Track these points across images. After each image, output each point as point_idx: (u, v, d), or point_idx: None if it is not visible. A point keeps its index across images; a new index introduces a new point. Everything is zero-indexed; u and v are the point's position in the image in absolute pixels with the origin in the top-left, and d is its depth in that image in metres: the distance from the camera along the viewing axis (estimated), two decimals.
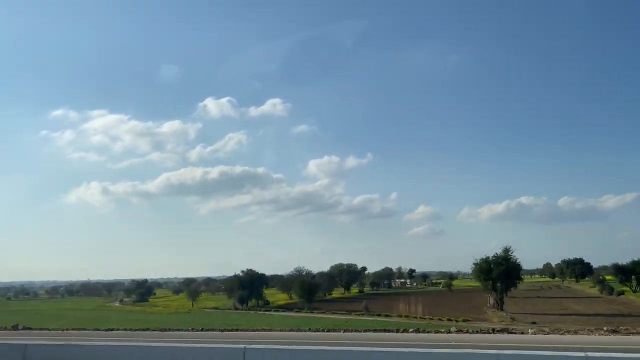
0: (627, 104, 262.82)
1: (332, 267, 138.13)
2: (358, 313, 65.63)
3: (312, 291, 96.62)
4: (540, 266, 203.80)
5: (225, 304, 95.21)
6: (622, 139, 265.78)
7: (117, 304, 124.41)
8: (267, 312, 76.86)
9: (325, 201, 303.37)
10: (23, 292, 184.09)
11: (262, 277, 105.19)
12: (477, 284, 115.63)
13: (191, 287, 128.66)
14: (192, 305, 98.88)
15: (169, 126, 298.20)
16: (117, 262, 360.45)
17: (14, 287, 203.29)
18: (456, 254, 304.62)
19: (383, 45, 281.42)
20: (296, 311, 76.37)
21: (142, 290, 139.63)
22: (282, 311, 78.57)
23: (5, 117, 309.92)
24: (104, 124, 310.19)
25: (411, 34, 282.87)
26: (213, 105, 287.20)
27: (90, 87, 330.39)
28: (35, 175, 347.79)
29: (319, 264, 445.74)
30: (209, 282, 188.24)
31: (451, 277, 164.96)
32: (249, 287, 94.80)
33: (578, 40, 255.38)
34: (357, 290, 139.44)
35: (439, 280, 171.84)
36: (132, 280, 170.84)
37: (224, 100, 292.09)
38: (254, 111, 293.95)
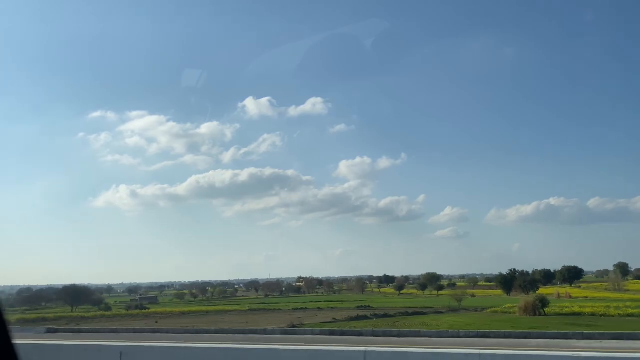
0: None
1: None
2: None
3: None
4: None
5: None
6: None
7: None
8: None
9: (352, 203, 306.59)
10: None
11: None
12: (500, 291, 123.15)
13: None
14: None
15: (207, 127, 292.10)
16: (135, 266, 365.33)
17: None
18: (481, 257, 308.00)
19: (423, 43, 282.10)
20: None
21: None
22: None
23: (43, 119, 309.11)
24: (142, 126, 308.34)
25: (452, 30, 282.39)
26: (252, 105, 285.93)
27: (130, 89, 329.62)
28: (69, 179, 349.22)
29: (337, 267, 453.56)
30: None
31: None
32: None
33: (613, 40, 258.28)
34: None
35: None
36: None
37: (264, 99, 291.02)
38: (293, 111, 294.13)
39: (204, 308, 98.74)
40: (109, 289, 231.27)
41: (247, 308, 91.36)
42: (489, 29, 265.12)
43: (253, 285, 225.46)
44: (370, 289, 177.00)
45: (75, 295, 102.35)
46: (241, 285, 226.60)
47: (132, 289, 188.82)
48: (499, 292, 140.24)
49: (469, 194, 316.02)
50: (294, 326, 48.66)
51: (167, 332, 34.48)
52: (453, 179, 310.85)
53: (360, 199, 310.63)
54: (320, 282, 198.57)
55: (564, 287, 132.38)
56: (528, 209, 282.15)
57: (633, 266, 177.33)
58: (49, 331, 36.30)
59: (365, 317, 65.40)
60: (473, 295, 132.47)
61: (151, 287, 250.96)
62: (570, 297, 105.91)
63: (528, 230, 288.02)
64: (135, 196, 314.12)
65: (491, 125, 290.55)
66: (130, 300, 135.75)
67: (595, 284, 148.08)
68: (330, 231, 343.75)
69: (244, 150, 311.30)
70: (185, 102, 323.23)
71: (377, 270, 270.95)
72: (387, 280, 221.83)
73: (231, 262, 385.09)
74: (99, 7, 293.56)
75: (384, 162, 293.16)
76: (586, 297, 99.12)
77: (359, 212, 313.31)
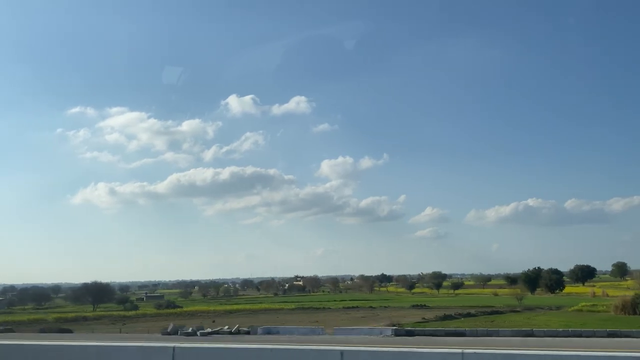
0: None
1: None
2: None
3: None
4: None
5: None
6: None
7: None
8: None
9: (334, 203, 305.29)
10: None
11: None
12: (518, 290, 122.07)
13: None
14: None
15: (188, 125, 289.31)
16: (117, 264, 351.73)
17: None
18: (460, 257, 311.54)
19: (407, 45, 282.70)
20: None
21: None
22: None
23: (20, 115, 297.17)
24: (122, 122, 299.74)
25: (436, 32, 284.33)
26: (235, 103, 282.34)
27: (110, 84, 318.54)
28: (46, 175, 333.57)
29: (319, 266, 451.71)
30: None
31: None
32: None
33: (589, 40, 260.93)
34: None
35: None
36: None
37: (247, 97, 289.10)
38: (277, 109, 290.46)
39: (238, 306, 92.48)
40: None
41: (295, 307, 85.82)
42: (472, 31, 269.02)
43: (247, 284, 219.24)
44: (378, 288, 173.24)
45: (97, 293, 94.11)
46: (234, 284, 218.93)
47: (123, 288, 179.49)
48: (517, 290, 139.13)
49: (450, 194, 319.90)
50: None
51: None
52: (434, 180, 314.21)
53: (342, 199, 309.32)
54: (317, 281, 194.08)
55: (590, 287, 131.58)
56: (507, 209, 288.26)
57: (599, 268, 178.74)
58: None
59: (451, 317, 61.33)
60: (496, 294, 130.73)
61: (141, 286, 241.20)
62: (608, 295, 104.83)
63: (507, 230, 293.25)
64: (114, 194, 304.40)
65: (472, 127, 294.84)
66: (136, 299, 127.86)
67: (614, 283, 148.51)
68: (311, 230, 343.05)
69: (225, 148, 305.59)
70: (167, 99, 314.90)
71: (358, 270, 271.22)
72: (384, 279, 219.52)
73: (211, 261, 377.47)
74: (80, 2, 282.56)
75: (366, 162, 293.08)
76: None
77: (341, 212, 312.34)
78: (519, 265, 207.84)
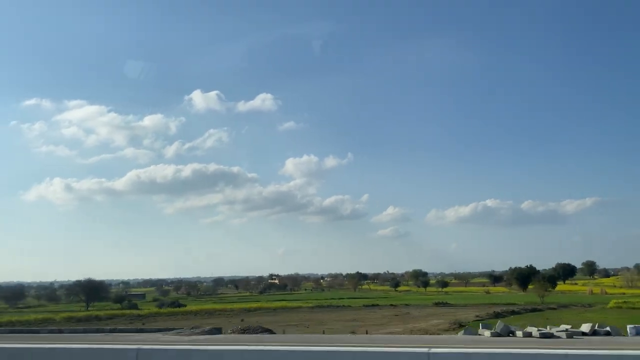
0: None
1: None
2: None
3: None
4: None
5: None
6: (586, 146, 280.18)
7: None
8: None
9: (297, 201, 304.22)
10: None
11: None
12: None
13: None
14: None
15: (150, 120, 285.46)
16: (72, 263, 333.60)
17: None
18: (420, 256, 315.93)
19: (374, 46, 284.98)
20: None
21: None
22: None
23: None
24: (80, 116, 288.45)
25: (397, 34, 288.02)
26: (200, 99, 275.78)
27: (69, 76, 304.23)
28: None
29: (281, 265, 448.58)
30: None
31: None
32: None
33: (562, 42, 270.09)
34: None
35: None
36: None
37: (212, 93, 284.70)
38: (242, 106, 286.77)
39: (242, 305, 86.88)
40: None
41: (313, 305, 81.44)
42: (439, 33, 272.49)
43: (218, 282, 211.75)
44: (361, 287, 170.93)
45: (92, 291, 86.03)
46: (200, 283, 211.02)
47: None
48: (505, 289, 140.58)
49: (412, 194, 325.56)
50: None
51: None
52: (397, 180, 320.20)
53: (306, 197, 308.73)
54: (298, 280, 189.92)
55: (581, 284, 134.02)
56: (466, 210, 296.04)
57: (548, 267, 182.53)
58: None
59: (502, 315, 59.01)
60: (488, 292, 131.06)
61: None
62: (607, 293, 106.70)
63: (465, 230, 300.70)
64: (70, 190, 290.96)
65: (435, 129, 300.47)
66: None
67: (599, 281, 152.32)
68: (274, 229, 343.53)
69: (188, 145, 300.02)
70: (128, 93, 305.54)
71: (321, 269, 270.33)
72: (360, 277, 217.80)
73: (170, 260, 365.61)
74: None
75: (330, 161, 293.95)
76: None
77: (304, 211, 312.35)
78: (476, 264, 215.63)
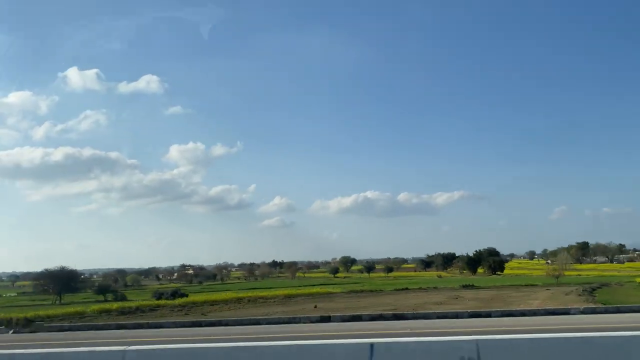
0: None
1: None
2: None
3: None
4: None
5: None
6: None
7: None
8: None
9: (181, 190, 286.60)
10: None
11: None
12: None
13: None
14: None
15: (17, 97, 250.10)
16: None
17: None
18: (304, 245, 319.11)
19: (266, 33, 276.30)
20: None
21: None
22: None
23: None
24: None
25: (290, 23, 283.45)
26: (76, 77, 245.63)
27: None
28: None
29: (163, 256, 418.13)
30: None
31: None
32: None
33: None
34: None
35: None
36: None
37: (90, 72, 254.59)
38: (124, 87, 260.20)
39: (228, 295, 75.18)
40: None
41: (342, 290, 73.36)
42: (328, 26, 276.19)
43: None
44: (303, 275, 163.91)
45: (64, 282, 67.72)
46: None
47: None
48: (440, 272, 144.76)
49: (298, 184, 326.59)
50: None
51: None
52: (284, 170, 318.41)
53: (190, 186, 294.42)
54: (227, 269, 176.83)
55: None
56: (348, 200, 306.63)
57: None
58: None
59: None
60: (439, 276, 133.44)
61: None
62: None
63: (347, 220, 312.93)
64: None
65: (322, 120, 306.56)
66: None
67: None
68: (155, 219, 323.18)
69: (60, 126, 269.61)
70: None
71: (206, 260, 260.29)
72: (275, 265, 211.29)
73: (32, 251, 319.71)
74: None
75: (218, 149, 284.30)
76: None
77: (188, 200, 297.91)
78: (358, 253, 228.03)
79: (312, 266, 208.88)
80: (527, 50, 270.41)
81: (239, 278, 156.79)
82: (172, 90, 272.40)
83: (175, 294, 67.98)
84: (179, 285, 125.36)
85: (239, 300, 60.95)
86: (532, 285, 76.32)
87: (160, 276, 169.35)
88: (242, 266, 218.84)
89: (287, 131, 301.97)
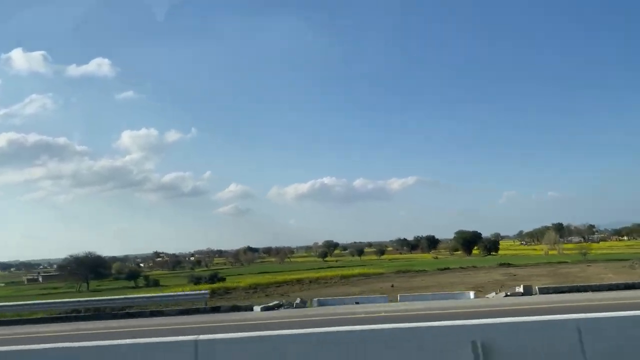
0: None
1: None
2: None
3: None
4: None
5: None
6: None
7: None
8: None
9: (133, 177, 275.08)
10: None
11: None
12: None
13: None
14: None
15: None
16: None
17: None
18: (260, 232, 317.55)
19: (224, 18, 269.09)
20: None
21: None
22: None
23: None
24: None
25: (250, 9, 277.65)
26: (21, 59, 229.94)
27: None
28: None
29: (113, 245, 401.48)
30: None
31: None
32: None
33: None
34: None
35: None
36: None
37: (36, 53, 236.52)
38: (73, 70, 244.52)
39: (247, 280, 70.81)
40: None
41: (396, 270, 70.31)
42: (287, 11, 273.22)
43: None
44: (289, 259, 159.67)
45: (91, 268, 60.83)
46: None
47: None
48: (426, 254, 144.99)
49: (254, 171, 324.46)
50: None
51: None
52: (240, 157, 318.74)
53: (142, 173, 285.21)
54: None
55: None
56: (305, 187, 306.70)
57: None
58: None
59: None
60: (436, 258, 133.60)
61: None
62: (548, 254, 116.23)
63: (304, 206, 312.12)
64: None
65: (281, 107, 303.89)
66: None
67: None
68: (105, 207, 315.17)
69: (4, 111, 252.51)
70: None
71: (159, 247, 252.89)
72: (250, 250, 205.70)
73: None
74: None
75: (172, 136, 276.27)
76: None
77: (140, 187, 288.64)
78: (315, 239, 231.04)
79: (289, 251, 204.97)
80: (476, 43, 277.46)
81: (225, 264, 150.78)
82: (125, 74, 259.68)
83: (213, 278, 62.96)
84: (163, 272, 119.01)
85: (298, 281, 57.05)
86: (564, 262, 76.50)
87: (142, 264, 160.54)
88: (200, 252, 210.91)
89: (243, 117, 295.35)
